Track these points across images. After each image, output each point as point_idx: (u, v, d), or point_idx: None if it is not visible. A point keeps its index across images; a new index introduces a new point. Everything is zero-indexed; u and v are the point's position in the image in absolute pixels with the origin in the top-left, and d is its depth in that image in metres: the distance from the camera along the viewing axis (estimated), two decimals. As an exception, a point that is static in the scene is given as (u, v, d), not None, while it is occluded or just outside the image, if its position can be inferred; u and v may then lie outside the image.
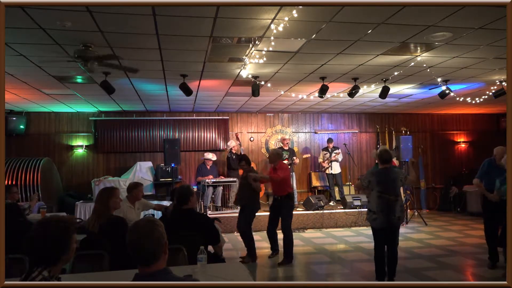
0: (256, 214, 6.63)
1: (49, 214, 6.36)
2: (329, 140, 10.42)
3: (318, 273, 5.84)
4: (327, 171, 10.27)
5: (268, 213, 6.74)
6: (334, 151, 10.16)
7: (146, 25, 4.33)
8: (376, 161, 5.83)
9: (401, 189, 5.26)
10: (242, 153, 10.16)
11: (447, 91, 7.30)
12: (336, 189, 10.43)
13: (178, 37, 4.78)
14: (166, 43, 4.98)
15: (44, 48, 5.05)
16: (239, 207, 6.92)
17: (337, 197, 10.39)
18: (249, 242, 6.36)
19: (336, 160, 10.16)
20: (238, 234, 8.33)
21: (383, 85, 7.20)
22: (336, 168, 10.18)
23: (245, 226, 6.40)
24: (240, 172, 9.51)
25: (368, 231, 8.72)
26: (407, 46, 5.29)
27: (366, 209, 5.17)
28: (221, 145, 10.96)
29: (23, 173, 9.01)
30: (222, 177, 9.71)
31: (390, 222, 4.83)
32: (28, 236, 1.94)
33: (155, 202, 7.13)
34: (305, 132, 11.66)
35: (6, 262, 2.74)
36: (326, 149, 10.39)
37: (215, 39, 4.87)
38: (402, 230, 8.61)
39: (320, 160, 10.52)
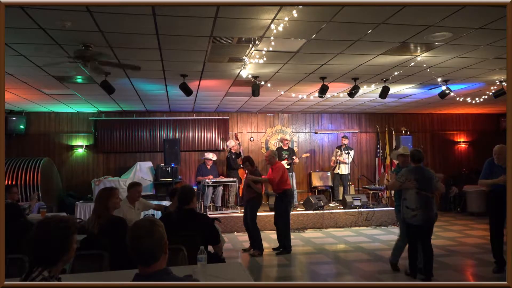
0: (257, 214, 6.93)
1: (49, 214, 6.36)
2: (344, 137, 10.45)
3: (318, 273, 5.84)
4: (335, 170, 10.34)
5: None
6: (345, 151, 10.18)
7: (146, 25, 4.33)
8: (397, 162, 5.87)
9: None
10: (241, 153, 10.19)
11: (447, 91, 7.29)
12: (341, 189, 10.44)
13: (178, 37, 4.78)
14: (166, 43, 4.98)
15: (44, 48, 5.05)
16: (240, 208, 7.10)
17: (340, 197, 10.41)
18: (255, 235, 6.72)
19: (344, 162, 10.18)
20: (238, 234, 8.39)
21: (383, 85, 7.20)
22: (343, 169, 10.23)
23: (250, 221, 6.73)
24: (241, 172, 9.57)
25: (367, 231, 8.75)
26: (407, 46, 5.29)
27: (405, 207, 5.13)
28: (221, 145, 10.96)
29: (23, 173, 9.01)
30: (222, 177, 9.70)
31: (430, 218, 4.99)
32: (29, 236, 1.94)
33: (155, 202, 7.14)
34: (305, 132, 11.65)
35: (6, 262, 2.74)
36: (339, 147, 10.42)
37: (215, 39, 4.87)
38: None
39: (333, 158, 10.56)
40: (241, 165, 6.86)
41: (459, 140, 12.49)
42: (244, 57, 5.65)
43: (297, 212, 9.04)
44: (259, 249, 6.68)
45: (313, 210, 9.07)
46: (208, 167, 9.77)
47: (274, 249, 6.94)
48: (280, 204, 6.88)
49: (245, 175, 7.16)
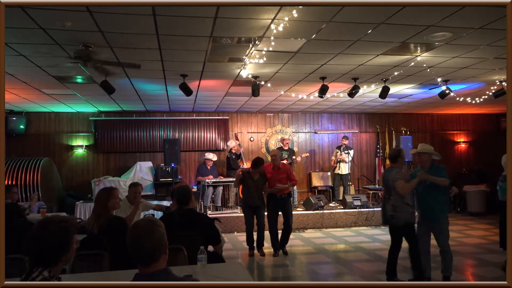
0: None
1: (49, 214, 6.36)
2: (344, 138, 10.47)
3: (318, 273, 5.84)
4: (335, 171, 10.36)
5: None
6: (345, 151, 10.18)
7: (146, 25, 4.33)
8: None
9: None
10: (241, 154, 10.17)
11: (447, 91, 7.29)
12: (341, 189, 10.45)
13: (178, 37, 4.78)
14: (166, 43, 4.97)
15: (44, 48, 5.05)
16: (240, 208, 7.07)
17: (340, 197, 10.41)
18: (263, 235, 6.84)
19: (344, 161, 10.19)
20: (238, 234, 8.39)
21: (383, 85, 7.20)
22: (343, 169, 10.24)
23: (264, 222, 6.83)
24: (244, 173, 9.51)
25: (367, 231, 8.76)
26: (407, 46, 5.28)
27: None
28: (221, 145, 10.95)
29: (23, 173, 9.01)
30: (222, 177, 9.70)
31: (384, 219, 5.07)
32: (29, 236, 1.94)
33: (155, 202, 7.13)
34: (305, 132, 11.65)
35: (6, 262, 2.74)
36: (339, 147, 10.43)
37: (215, 39, 4.87)
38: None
39: (333, 158, 10.59)
40: (252, 168, 6.73)
41: (459, 140, 12.49)
42: (244, 57, 5.64)
43: (297, 212, 9.04)
44: (261, 248, 6.82)
45: (313, 210, 9.08)
46: (208, 167, 9.77)
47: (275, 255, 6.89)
48: (289, 204, 6.95)
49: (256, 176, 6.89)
